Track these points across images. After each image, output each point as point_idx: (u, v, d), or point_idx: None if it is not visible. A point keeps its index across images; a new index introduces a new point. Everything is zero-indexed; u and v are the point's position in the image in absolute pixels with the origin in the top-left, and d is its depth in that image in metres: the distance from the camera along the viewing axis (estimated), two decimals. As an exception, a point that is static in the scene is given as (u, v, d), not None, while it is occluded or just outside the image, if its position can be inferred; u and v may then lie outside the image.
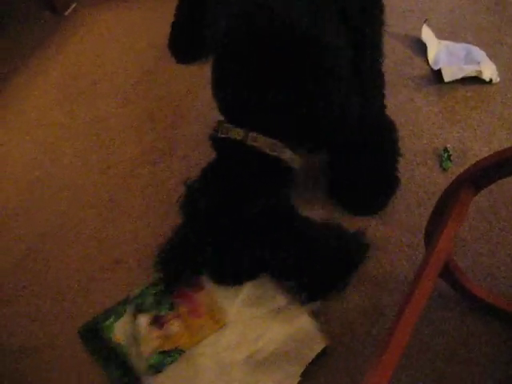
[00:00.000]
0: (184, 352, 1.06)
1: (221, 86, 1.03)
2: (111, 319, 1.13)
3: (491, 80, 1.45)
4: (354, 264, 1.12)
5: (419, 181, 1.30)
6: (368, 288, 1.15)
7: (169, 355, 1.06)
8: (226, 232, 1.02)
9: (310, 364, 1.04)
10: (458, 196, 0.89)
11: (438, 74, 1.48)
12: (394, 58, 1.54)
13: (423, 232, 1.04)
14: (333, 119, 1.01)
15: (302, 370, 1.03)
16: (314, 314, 1.10)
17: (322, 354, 1.06)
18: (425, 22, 1.59)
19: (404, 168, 1.31)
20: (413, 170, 1.32)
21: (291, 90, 0.94)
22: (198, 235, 1.04)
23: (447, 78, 1.45)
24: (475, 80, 1.46)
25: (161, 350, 1.06)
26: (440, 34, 1.58)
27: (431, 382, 1.03)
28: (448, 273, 1.04)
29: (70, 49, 1.72)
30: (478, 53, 1.49)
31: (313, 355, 1.05)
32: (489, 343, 1.06)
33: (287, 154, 1.00)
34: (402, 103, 1.44)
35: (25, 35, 1.78)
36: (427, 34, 1.56)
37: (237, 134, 0.98)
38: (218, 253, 1.04)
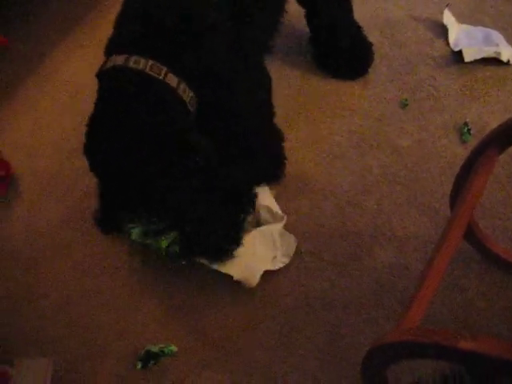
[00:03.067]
0: None
1: None
2: None
3: (508, 61, 1.53)
4: (238, 220, 1.16)
5: (440, 152, 1.38)
6: (394, 246, 1.24)
7: None
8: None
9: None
10: (485, 153, 0.97)
11: (458, 54, 1.56)
12: (415, 39, 1.62)
13: (447, 197, 1.12)
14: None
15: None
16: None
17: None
18: (446, 6, 1.66)
19: (426, 140, 1.39)
20: (434, 142, 1.40)
21: None
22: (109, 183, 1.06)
23: (467, 58, 1.53)
24: (493, 61, 1.54)
25: None
26: (460, 19, 1.65)
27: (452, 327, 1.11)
28: (471, 232, 1.12)
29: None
30: (497, 36, 1.57)
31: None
32: (505, 296, 1.14)
33: (175, 81, 1.00)
34: (424, 80, 1.52)
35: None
36: (448, 18, 1.64)
37: (119, 60, 1.00)
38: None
